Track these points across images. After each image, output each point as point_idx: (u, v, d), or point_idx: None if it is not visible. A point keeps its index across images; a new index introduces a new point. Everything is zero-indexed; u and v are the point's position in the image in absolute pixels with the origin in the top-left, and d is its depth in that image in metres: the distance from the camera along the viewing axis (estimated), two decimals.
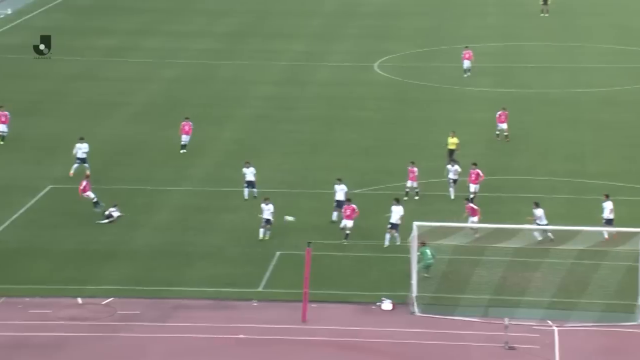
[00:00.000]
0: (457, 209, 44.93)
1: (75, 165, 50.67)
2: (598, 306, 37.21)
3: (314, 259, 38.24)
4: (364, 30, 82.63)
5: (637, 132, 58.18)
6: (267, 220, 43.43)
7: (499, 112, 56.76)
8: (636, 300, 37.07)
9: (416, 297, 37.83)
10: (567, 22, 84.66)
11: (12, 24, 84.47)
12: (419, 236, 38.49)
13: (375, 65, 72.19)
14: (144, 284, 39.93)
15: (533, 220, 42.46)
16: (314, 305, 37.49)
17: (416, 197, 47.78)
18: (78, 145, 51.13)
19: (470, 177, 46.79)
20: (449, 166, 48.34)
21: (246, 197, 48.03)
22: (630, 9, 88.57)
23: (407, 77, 69.33)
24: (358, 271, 40.99)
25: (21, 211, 47.03)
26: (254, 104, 63.70)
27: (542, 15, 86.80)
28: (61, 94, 66.07)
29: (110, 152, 54.98)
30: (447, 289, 38.60)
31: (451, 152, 51.82)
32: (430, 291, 38.26)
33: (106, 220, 45.27)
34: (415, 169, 48.06)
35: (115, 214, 45.41)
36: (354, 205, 43.54)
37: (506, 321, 35.90)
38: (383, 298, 38.30)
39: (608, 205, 43.08)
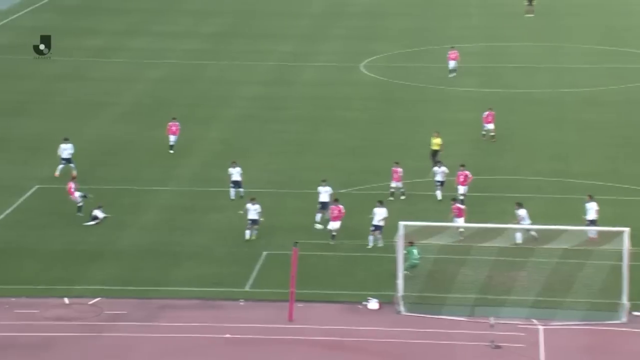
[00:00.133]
0: (444, 208, 45.12)
1: (61, 166, 50.70)
2: (583, 305, 37.44)
3: (301, 259, 38.37)
4: (350, 31, 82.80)
5: (621, 132, 58.53)
6: (254, 221, 43.51)
7: (485, 113, 56.98)
8: (620, 299, 37.33)
9: (402, 296, 38.00)
10: (552, 22, 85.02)
11: None
12: (407, 236, 38.65)
13: (362, 65, 72.38)
14: (131, 284, 40.01)
15: (518, 222, 42.57)
16: (300, 304, 37.63)
17: (402, 197, 47.96)
18: (62, 145, 51.16)
19: (459, 178, 46.85)
20: (435, 168, 48.33)
21: (232, 197, 48.14)
22: (613, 10, 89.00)
23: (393, 77, 69.55)
24: (344, 271, 41.15)
25: (8, 211, 47.03)
26: (241, 104, 63.82)
27: (527, 15, 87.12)
28: (48, 94, 66.05)
29: (97, 152, 55.02)
30: (433, 288, 38.77)
31: (435, 152, 51.97)
32: (416, 290, 38.43)
33: (92, 222, 45.30)
34: (400, 170, 48.20)
35: (101, 215, 45.44)
36: (341, 206, 43.65)
37: (492, 320, 36.12)
38: (369, 297, 38.46)
39: (592, 206, 43.32)
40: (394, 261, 38.66)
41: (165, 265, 41.77)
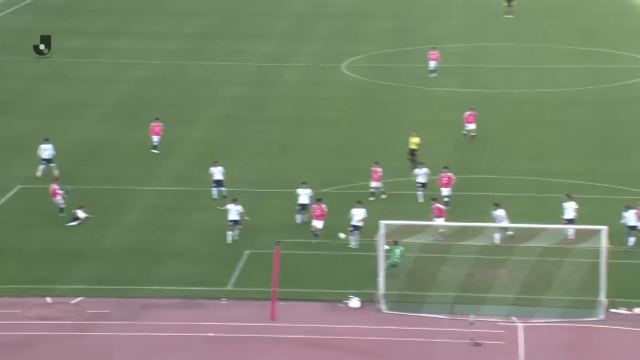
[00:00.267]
0: (424, 208, 45.44)
1: (42, 167, 50.78)
2: (561, 302, 37.79)
3: (283, 258, 38.61)
4: (332, 31, 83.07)
5: (599, 131, 59.02)
6: (235, 221, 43.66)
7: (466, 113, 57.30)
8: (598, 296, 37.73)
9: (383, 294, 38.29)
10: (531, 23, 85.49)
11: None
12: (389, 235, 38.89)
13: (343, 65, 72.67)
14: (114, 283, 40.15)
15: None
16: (282, 303, 37.86)
17: (383, 196, 48.25)
18: (42, 146, 51.22)
19: (442, 180, 46.95)
20: (417, 170, 48.38)
21: (215, 196, 48.33)
22: (591, 11, 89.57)
23: (374, 77, 69.87)
24: (326, 269, 41.41)
25: None
26: (223, 104, 64.00)
27: (506, 16, 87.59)
28: (30, 94, 66.05)
29: (79, 152, 55.11)
30: (414, 286, 39.06)
31: (412, 151, 52.26)
32: (397, 289, 38.70)
33: (74, 222, 45.41)
34: (379, 169, 48.45)
35: (82, 215, 45.54)
36: (323, 205, 43.89)
37: (472, 318, 36.40)
38: (350, 296, 38.73)
39: (570, 206, 43.71)
40: (375, 260, 38.93)
41: (148, 264, 41.94)
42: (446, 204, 45.65)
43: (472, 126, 56.75)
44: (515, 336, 36.24)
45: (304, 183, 45.91)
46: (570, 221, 43.14)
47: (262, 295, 38.36)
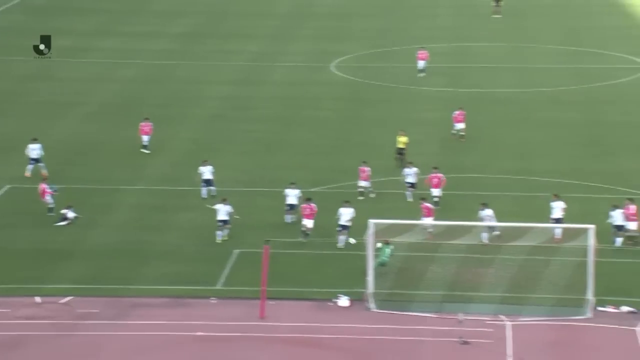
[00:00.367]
0: (413, 207, 45.59)
1: (30, 166, 50.76)
2: (549, 301, 37.99)
3: (272, 257, 38.72)
4: (319, 31, 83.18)
5: (584, 130, 59.32)
6: (224, 221, 43.72)
7: (456, 112, 57.47)
8: (585, 294, 37.95)
9: (372, 293, 38.44)
10: (518, 23, 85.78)
11: None
12: (378, 234, 39.01)
13: (332, 65, 72.79)
14: (102, 282, 40.19)
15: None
16: (271, 302, 37.94)
17: (372, 195, 48.40)
18: (31, 146, 51.20)
19: (432, 181, 46.99)
20: (406, 169, 48.45)
21: (204, 195, 48.39)
22: (575, 12, 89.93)
23: (363, 77, 70.02)
24: (315, 268, 41.53)
25: None
26: (211, 104, 64.05)
27: (494, 16, 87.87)
28: (17, 94, 65.98)
29: (67, 152, 55.10)
30: (403, 285, 39.21)
31: (400, 150, 52.43)
32: (386, 287, 38.85)
33: (63, 222, 45.42)
34: (367, 169, 48.58)
35: (71, 214, 45.56)
36: (313, 204, 43.98)
37: (460, 316, 36.58)
38: (340, 295, 38.87)
39: (558, 205, 43.93)
40: (364, 259, 39.07)
41: (137, 263, 41.98)
42: (436, 203, 45.79)
43: (461, 125, 56.92)
44: (504, 334, 36.42)
45: (292, 183, 46.00)
46: (557, 220, 43.35)
47: (252, 295, 38.44)
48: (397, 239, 40.06)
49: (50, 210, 45.97)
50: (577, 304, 37.76)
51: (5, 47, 75.27)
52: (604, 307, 38.20)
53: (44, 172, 49.57)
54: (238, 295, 39.11)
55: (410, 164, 48.74)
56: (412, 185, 47.99)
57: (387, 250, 40.14)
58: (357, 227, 42.51)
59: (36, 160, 50.81)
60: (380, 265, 39.94)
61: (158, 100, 64.79)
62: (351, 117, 61.67)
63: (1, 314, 37.51)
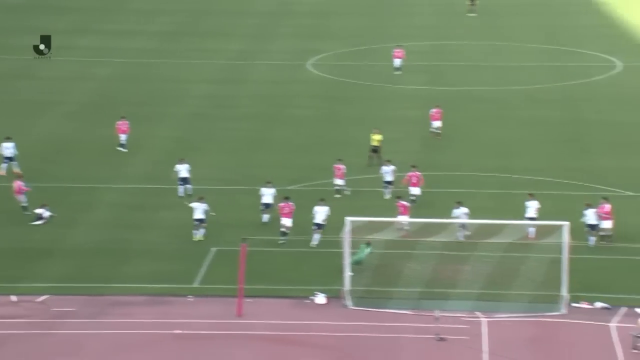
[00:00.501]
0: (390, 205, 45.85)
1: (4, 165, 50.78)
2: (524, 297, 38.28)
3: (249, 255, 38.89)
4: (297, 30, 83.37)
5: (561, 128, 59.73)
6: (200, 220, 43.80)
7: (433, 110, 57.77)
8: (560, 291, 38.30)
9: (349, 290, 38.66)
10: (494, 21, 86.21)
11: None
12: (358, 231, 39.15)
13: (308, 63, 72.99)
14: (80, 281, 40.25)
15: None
16: (249, 300, 38.11)
17: (347, 192, 48.63)
18: (4, 144, 51.21)
19: (411, 180, 47.13)
20: (384, 167, 48.64)
21: (181, 194, 48.49)
22: (553, 10, 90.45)
23: (340, 75, 70.24)
24: (292, 266, 41.72)
25: None
26: (191, 103, 64.13)
27: (469, 15, 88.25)
28: None
29: (45, 150, 55.08)
30: (380, 282, 39.43)
31: (374, 148, 52.64)
32: (362, 285, 39.07)
33: (39, 222, 45.40)
34: (342, 166, 48.76)
35: (46, 214, 45.54)
36: (291, 203, 44.11)
37: (437, 313, 36.84)
38: (317, 292, 39.09)
39: (532, 205, 44.24)
40: (340, 256, 39.28)
41: (115, 262, 42.05)
42: (412, 201, 46.02)
43: (438, 123, 57.18)
44: (479, 331, 36.70)
45: (268, 182, 46.13)
46: (531, 220, 43.64)
47: (229, 292, 38.60)
48: (373, 237, 40.27)
49: (25, 209, 45.96)
50: (552, 301, 38.08)
51: None
52: (578, 303, 38.54)
53: (17, 171, 49.43)
54: (215, 293, 39.23)
55: (388, 162, 48.96)
56: (390, 183, 48.22)
57: (366, 250, 40.38)
58: (333, 225, 42.69)
59: (10, 159, 50.82)
60: (356, 264, 40.12)
61: (137, 98, 64.82)
62: (329, 115, 61.90)
63: None
